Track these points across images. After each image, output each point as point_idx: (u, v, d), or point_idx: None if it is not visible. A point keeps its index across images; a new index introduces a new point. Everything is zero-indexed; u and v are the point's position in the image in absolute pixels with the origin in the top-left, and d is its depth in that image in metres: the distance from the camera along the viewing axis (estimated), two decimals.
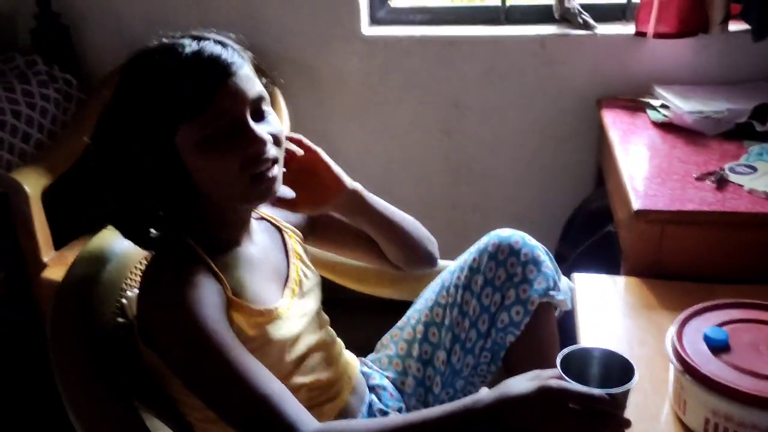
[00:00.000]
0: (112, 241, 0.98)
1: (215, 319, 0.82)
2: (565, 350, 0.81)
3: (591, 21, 1.84)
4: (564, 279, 1.15)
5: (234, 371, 0.80)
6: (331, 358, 1.03)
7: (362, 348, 1.23)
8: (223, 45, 0.85)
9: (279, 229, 1.04)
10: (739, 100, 1.64)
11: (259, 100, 0.86)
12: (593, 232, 1.69)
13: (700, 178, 1.33)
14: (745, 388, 0.81)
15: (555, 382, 0.75)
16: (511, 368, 1.08)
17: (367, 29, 1.95)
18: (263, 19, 1.94)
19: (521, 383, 0.77)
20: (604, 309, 1.15)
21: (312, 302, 1.02)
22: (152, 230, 0.90)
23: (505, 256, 1.09)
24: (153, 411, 0.97)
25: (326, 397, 0.99)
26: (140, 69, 0.84)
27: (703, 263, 1.24)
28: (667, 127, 1.62)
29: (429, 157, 2.06)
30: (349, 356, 1.11)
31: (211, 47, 0.83)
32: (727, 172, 1.33)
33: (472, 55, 1.90)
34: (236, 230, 0.95)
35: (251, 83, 0.85)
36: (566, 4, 1.85)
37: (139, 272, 1.02)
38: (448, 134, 2.02)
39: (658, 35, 1.73)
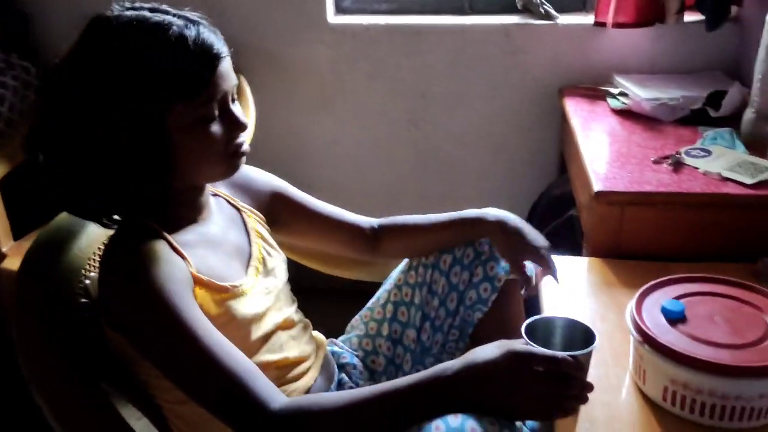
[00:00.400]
0: (74, 221, 0.97)
1: (181, 294, 0.82)
2: (530, 319, 0.84)
3: (552, 11, 1.88)
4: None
5: (202, 347, 0.80)
6: (299, 336, 1.04)
7: (337, 334, 1.24)
8: (209, 29, 0.87)
9: (238, 210, 1.05)
10: (693, 87, 1.70)
11: (235, 86, 0.90)
12: (556, 216, 1.73)
13: (657, 162, 1.38)
14: (701, 356, 0.85)
15: (521, 346, 0.79)
16: (479, 345, 1.10)
17: (333, 18, 1.96)
18: (227, 7, 1.93)
19: (488, 350, 0.80)
20: (568, 288, 1.18)
21: (277, 280, 1.03)
22: (112, 212, 0.90)
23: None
24: (123, 395, 0.97)
25: (295, 375, 1.00)
26: (127, 44, 0.82)
27: (660, 243, 1.28)
28: (626, 114, 1.66)
29: (397, 146, 2.07)
30: (317, 336, 1.13)
31: (206, 32, 0.85)
32: (683, 155, 1.38)
33: (438, 44, 1.92)
34: (195, 209, 0.96)
35: (231, 69, 0.89)
36: None
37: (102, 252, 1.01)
38: (415, 124, 2.04)
39: (616, 25, 1.77)
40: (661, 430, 0.87)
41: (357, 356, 1.17)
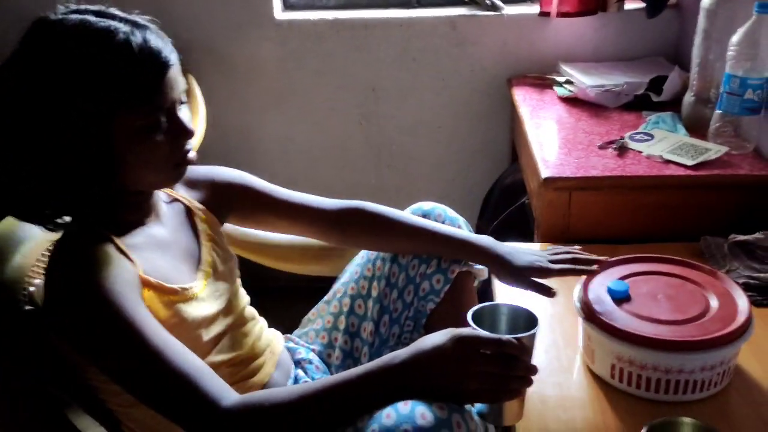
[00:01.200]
0: (16, 226, 0.94)
1: (127, 296, 0.81)
2: (476, 306, 0.86)
3: (498, 2, 1.90)
4: None
5: (149, 348, 0.79)
6: (251, 334, 1.04)
7: (293, 331, 1.24)
8: (157, 35, 0.86)
9: (189, 211, 1.04)
10: (636, 74, 1.74)
11: (184, 91, 0.89)
12: (509, 205, 1.76)
13: (603, 147, 1.41)
14: (645, 332, 0.88)
15: (467, 330, 0.80)
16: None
17: (281, 14, 1.95)
18: (174, 5, 1.90)
19: (436, 337, 0.81)
20: None
21: (227, 284, 1.02)
22: (57, 215, 0.88)
23: None
24: (75, 402, 0.95)
25: (248, 372, 1.00)
26: (72, 49, 0.81)
27: (607, 226, 1.31)
28: (572, 101, 1.69)
29: (350, 141, 2.08)
30: (271, 332, 1.12)
31: (154, 38, 0.83)
32: (627, 140, 1.41)
33: (385, 38, 1.93)
34: (143, 211, 0.94)
35: (180, 75, 0.88)
36: None
37: (47, 259, 0.99)
38: (367, 118, 2.04)
39: (560, 14, 1.81)
40: (610, 406, 0.90)
41: (313, 350, 1.16)
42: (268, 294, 1.32)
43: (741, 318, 0.90)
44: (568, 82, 1.75)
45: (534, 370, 0.81)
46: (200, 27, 1.92)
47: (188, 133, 0.88)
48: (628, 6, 1.81)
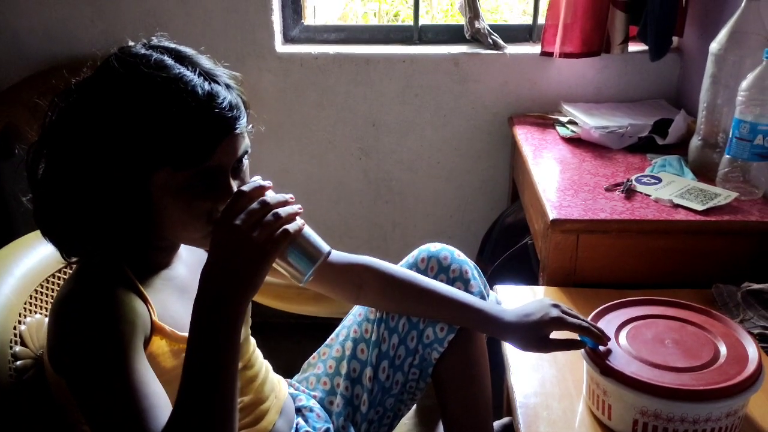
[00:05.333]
0: (9, 259, 0.90)
1: (134, 346, 0.76)
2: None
3: (500, 41, 1.90)
4: (492, 294, 1.16)
5: (129, 398, 0.73)
6: (257, 378, 0.99)
7: (290, 372, 1.19)
8: (228, 87, 0.79)
9: None
10: (639, 115, 1.73)
11: (244, 154, 0.82)
12: (509, 245, 1.73)
13: (609, 189, 1.39)
14: (671, 383, 0.84)
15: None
16: (441, 384, 1.07)
17: (281, 47, 1.93)
18: (174, 35, 1.86)
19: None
20: None
21: (243, 331, 0.98)
22: (87, 248, 0.83)
23: (434, 272, 1.08)
24: None
25: (252, 419, 0.95)
26: (137, 95, 0.74)
27: (615, 270, 1.28)
28: (575, 141, 1.68)
29: (348, 175, 2.05)
30: (276, 378, 1.07)
31: (222, 93, 0.77)
32: (634, 183, 1.39)
33: (388, 73, 1.91)
34: (168, 254, 0.90)
35: (243, 136, 0.81)
36: (477, 25, 1.90)
37: (40, 296, 0.94)
38: (366, 153, 2.02)
39: (563, 55, 1.81)
40: None
41: (314, 397, 1.11)
42: (261, 329, 1.27)
43: (753, 360, 0.87)
44: (571, 122, 1.74)
45: (292, 202, 0.78)
46: None
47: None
48: (631, 48, 1.81)
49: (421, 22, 1.99)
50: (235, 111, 0.77)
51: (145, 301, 0.82)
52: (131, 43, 0.81)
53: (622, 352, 0.91)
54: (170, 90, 0.74)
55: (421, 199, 2.07)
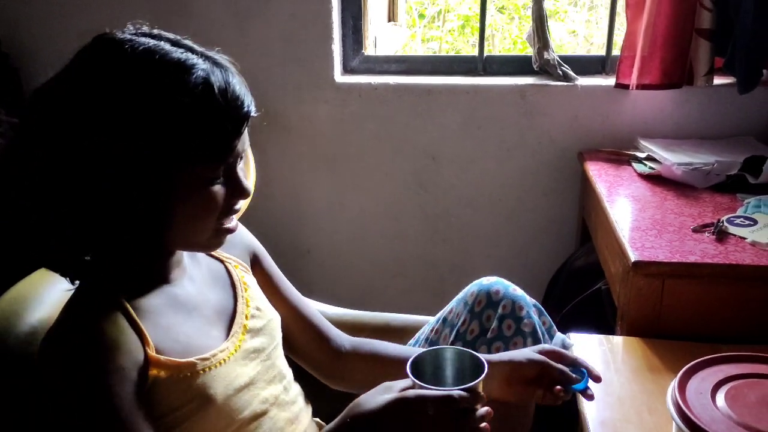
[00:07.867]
0: (35, 288, 0.83)
1: (122, 399, 0.69)
2: (416, 354, 0.78)
3: (571, 72, 1.79)
4: (558, 335, 1.03)
5: None
6: (297, 420, 0.88)
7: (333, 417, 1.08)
8: (239, 79, 0.76)
9: (221, 261, 0.92)
10: (726, 152, 1.59)
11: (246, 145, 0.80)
12: (580, 291, 1.58)
13: (697, 231, 1.24)
14: None
15: (411, 392, 0.70)
16: None
17: (340, 77, 1.87)
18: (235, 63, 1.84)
19: (374, 398, 0.71)
20: (605, 372, 1.02)
21: (268, 339, 0.88)
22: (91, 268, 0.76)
23: (481, 308, 0.99)
24: None
25: None
26: (140, 80, 0.68)
27: (706, 321, 1.13)
28: (654, 179, 1.54)
29: (404, 210, 1.95)
30: (318, 423, 0.96)
31: (236, 83, 0.73)
32: (725, 224, 1.25)
33: (449, 104, 1.83)
34: (169, 267, 0.82)
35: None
36: (546, 56, 1.80)
37: None
38: (424, 187, 1.92)
39: (641, 87, 1.68)
40: None
41: None
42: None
43: None
44: (650, 158, 1.60)
45: (489, 415, 0.71)
46: (256, 85, 1.85)
47: (244, 193, 0.78)
48: (717, 81, 1.67)
49: (486, 52, 1.90)
50: (248, 96, 0.75)
51: (139, 332, 0.73)
52: (122, 32, 0.74)
53: (723, 417, 0.78)
54: (186, 74, 0.69)
55: (481, 238, 1.95)
